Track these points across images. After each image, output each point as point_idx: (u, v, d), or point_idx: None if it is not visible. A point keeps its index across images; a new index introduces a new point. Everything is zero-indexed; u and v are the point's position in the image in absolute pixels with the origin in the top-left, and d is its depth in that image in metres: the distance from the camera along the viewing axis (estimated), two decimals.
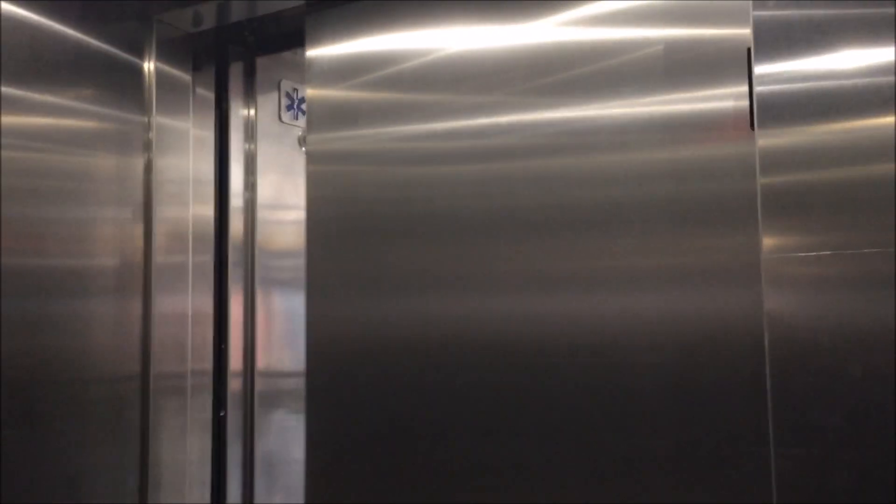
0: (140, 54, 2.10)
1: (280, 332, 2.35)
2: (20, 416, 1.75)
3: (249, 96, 2.32)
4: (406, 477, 1.84)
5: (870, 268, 1.25)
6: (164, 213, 2.10)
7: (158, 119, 2.10)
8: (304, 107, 2.29)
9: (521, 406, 1.70)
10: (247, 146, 2.31)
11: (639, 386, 1.57)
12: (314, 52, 2.00)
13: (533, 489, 1.67)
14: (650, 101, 1.59)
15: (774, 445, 1.29)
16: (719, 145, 1.51)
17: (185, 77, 2.20)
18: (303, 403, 2.00)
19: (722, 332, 1.48)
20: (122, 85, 2.05)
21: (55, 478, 1.83)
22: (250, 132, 2.32)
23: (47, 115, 1.87)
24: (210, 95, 2.26)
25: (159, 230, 2.08)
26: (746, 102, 1.45)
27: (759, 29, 1.37)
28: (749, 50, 1.39)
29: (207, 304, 2.19)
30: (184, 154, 2.17)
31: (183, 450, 2.10)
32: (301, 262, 2.08)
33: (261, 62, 2.32)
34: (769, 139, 1.34)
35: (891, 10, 1.26)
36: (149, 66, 2.11)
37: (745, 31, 1.44)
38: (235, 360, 2.24)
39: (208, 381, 2.19)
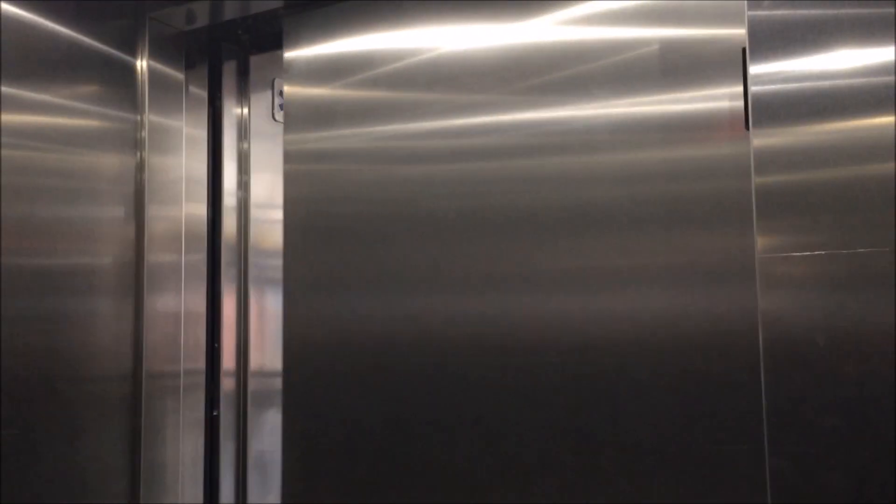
0: (133, 52, 2.09)
1: (273, 331, 2.34)
2: (10, 416, 1.74)
3: (243, 95, 2.31)
4: (383, 476, 1.85)
5: (864, 267, 1.26)
6: (157, 212, 2.09)
7: (151, 117, 2.09)
8: None
9: (502, 405, 1.71)
10: (240, 145, 2.30)
11: (628, 386, 1.57)
12: (292, 54, 2.03)
13: (513, 488, 1.68)
14: (645, 101, 1.59)
15: (769, 445, 1.29)
16: (714, 145, 1.51)
17: (178, 75, 2.18)
18: None
19: (716, 332, 1.49)
20: (114, 83, 2.04)
21: (46, 477, 1.82)
22: (243, 131, 2.31)
23: (39, 113, 1.85)
24: (203, 94, 2.25)
25: (152, 229, 2.07)
26: (741, 102, 1.46)
27: (754, 29, 1.37)
28: (744, 50, 1.39)
29: (200, 304, 2.18)
30: (176, 153, 2.16)
31: (176, 449, 2.10)
32: None
33: (254, 60, 2.31)
34: (764, 139, 1.34)
35: (886, 10, 1.26)
36: (141, 64, 2.10)
37: (740, 31, 1.44)
38: (228, 359, 2.23)
39: (201, 380, 2.18)
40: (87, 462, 1.91)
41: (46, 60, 1.88)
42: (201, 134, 2.24)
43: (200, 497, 2.14)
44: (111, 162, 2.01)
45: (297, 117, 2.02)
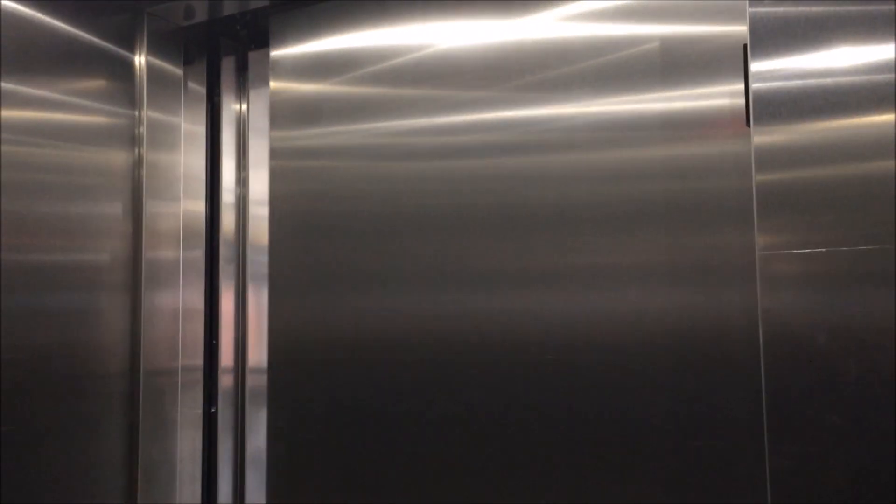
0: (131, 48, 2.08)
1: None
2: (5, 413, 1.73)
3: (241, 91, 2.30)
4: (369, 472, 1.86)
5: (866, 265, 1.25)
6: (155, 209, 2.08)
7: (149, 113, 2.08)
8: None
9: (491, 402, 1.72)
10: (238, 141, 2.30)
11: (626, 384, 1.57)
12: (278, 53, 2.06)
13: (502, 485, 1.69)
14: (645, 98, 1.58)
15: (769, 444, 1.28)
16: (715, 143, 1.51)
17: (177, 71, 2.18)
18: None
19: (716, 330, 1.49)
20: (112, 79, 2.03)
21: (42, 475, 1.81)
22: (242, 127, 2.30)
23: (36, 108, 1.84)
24: (202, 90, 2.24)
25: (150, 225, 2.06)
26: (742, 100, 1.45)
27: (756, 25, 1.36)
28: (745, 46, 1.39)
29: (198, 300, 2.18)
30: (175, 149, 2.15)
31: (173, 447, 2.09)
32: None
33: (253, 56, 2.30)
34: (765, 136, 1.34)
35: (889, 7, 1.25)
36: (139, 59, 2.09)
37: (742, 28, 1.44)
38: (226, 356, 2.22)
39: (199, 377, 2.17)
40: (83, 459, 1.91)
41: (44, 56, 1.87)
42: (200, 130, 2.23)
43: (198, 495, 2.14)
44: (109, 158, 2.01)
45: (283, 114, 2.04)
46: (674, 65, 1.56)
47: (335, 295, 1.93)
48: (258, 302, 2.29)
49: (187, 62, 2.19)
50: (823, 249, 1.29)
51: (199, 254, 2.19)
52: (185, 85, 2.20)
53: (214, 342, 2.19)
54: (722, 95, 1.51)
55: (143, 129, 2.07)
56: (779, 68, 1.34)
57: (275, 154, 2.05)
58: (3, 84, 1.76)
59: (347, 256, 1.92)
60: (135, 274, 2.03)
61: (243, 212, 2.27)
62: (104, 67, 2.02)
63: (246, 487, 2.22)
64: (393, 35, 1.91)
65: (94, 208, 1.96)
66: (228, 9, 2.11)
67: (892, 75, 1.25)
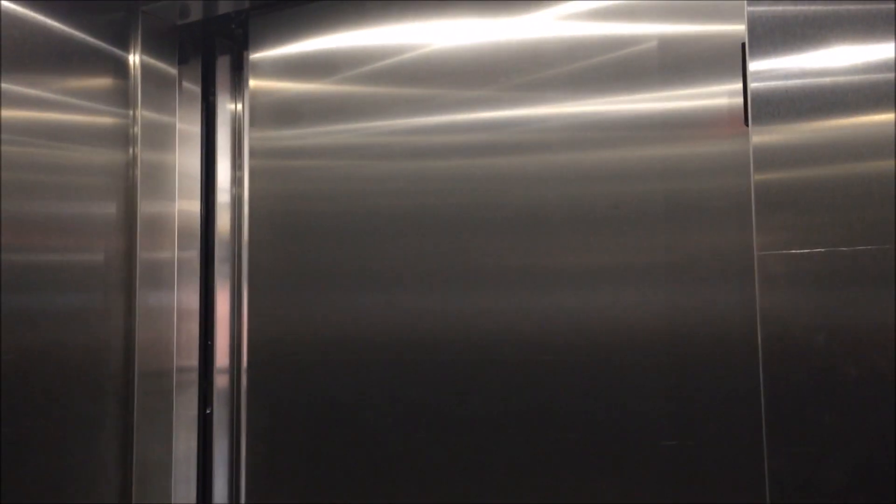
0: (125, 47, 2.07)
1: None
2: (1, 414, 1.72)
3: (237, 90, 2.29)
4: (348, 473, 1.86)
5: (864, 265, 1.25)
6: (150, 209, 2.07)
7: (144, 113, 2.07)
8: None
9: (474, 402, 1.73)
10: (234, 141, 2.29)
11: (623, 384, 1.56)
12: (258, 55, 2.08)
13: (484, 486, 1.69)
14: (643, 97, 1.58)
15: (768, 444, 1.28)
16: (713, 142, 1.51)
17: (172, 70, 2.17)
18: None
19: (714, 330, 1.48)
20: (106, 78, 2.02)
21: (36, 476, 1.80)
22: (237, 126, 2.29)
23: (30, 108, 1.83)
24: (197, 89, 2.23)
25: (144, 225, 2.05)
26: (740, 99, 1.45)
27: (754, 25, 1.36)
28: (743, 46, 1.38)
29: (194, 300, 2.17)
30: (170, 149, 2.14)
31: (168, 448, 2.08)
32: None
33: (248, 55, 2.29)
34: (763, 136, 1.33)
35: (888, 6, 1.25)
36: (134, 59, 2.08)
37: (739, 28, 1.44)
38: (222, 356, 2.22)
39: (194, 377, 2.16)
40: (78, 460, 1.90)
41: (38, 55, 1.86)
42: (195, 130, 2.22)
43: (193, 496, 2.13)
44: (103, 158, 2.00)
45: (262, 115, 2.06)
46: (671, 64, 1.56)
47: (315, 295, 1.94)
48: None
49: (182, 61, 2.18)
50: (822, 249, 1.28)
51: (195, 254, 2.18)
52: (180, 84, 2.18)
53: (210, 342, 2.18)
54: (720, 95, 1.50)
55: (138, 129, 2.06)
56: (777, 68, 1.33)
57: (254, 153, 2.07)
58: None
59: (329, 256, 1.93)
60: (129, 274, 2.02)
61: (238, 212, 2.26)
62: (98, 66, 2.00)
63: (241, 489, 2.21)
64: (372, 36, 1.92)
65: (88, 208, 1.95)
66: (223, 8, 2.10)
67: (891, 74, 1.25)
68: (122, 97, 2.05)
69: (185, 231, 2.16)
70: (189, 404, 2.15)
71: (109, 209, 2.00)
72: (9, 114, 1.78)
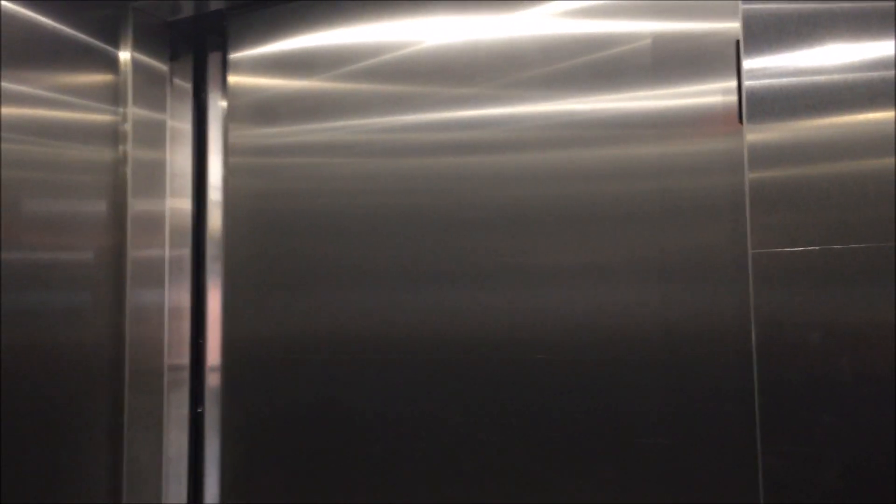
0: (115, 43, 2.05)
1: None
2: None
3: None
4: (326, 472, 1.86)
5: (859, 263, 1.25)
6: (140, 206, 2.06)
7: (134, 110, 2.06)
8: None
9: (452, 401, 1.73)
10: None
11: (617, 383, 1.56)
12: (237, 55, 2.09)
13: (463, 484, 1.69)
14: (637, 95, 1.57)
15: (762, 443, 1.28)
16: (708, 140, 1.51)
17: (162, 67, 2.15)
18: None
19: (709, 329, 1.48)
20: (97, 75, 2.01)
21: (26, 475, 1.78)
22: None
23: (19, 105, 1.82)
24: (188, 86, 2.21)
25: (135, 223, 2.04)
26: (735, 97, 1.45)
27: (749, 23, 1.35)
28: (738, 43, 1.38)
29: (185, 299, 2.15)
30: (160, 146, 2.13)
31: (159, 447, 2.07)
32: None
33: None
34: (758, 134, 1.33)
35: (884, 4, 1.25)
36: (124, 55, 2.07)
37: (734, 25, 1.43)
38: (213, 355, 2.20)
39: (185, 376, 2.15)
40: (68, 460, 1.88)
41: (27, 51, 1.84)
42: (186, 127, 2.20)
43: (184, 496, 2.11)
44: (94, 155, 1.98)
45: (241, 113, 2.07)
46: (665, 62, 1.55)
47: (292, 293, 1.94)
48: None
49: (173, 58, 2.17)
50: (816, 248, 1.28)
51: (186, 252, 2.17)
52: (171, 81, 2.17)
53: (201, 341, 2.17)
54: (714, 93, 1.50)
55: (129, 126, 2.04)
56: (772, 65, 1.33)
57: (234, 151, 2.08)
58: None
59: (307, 254, 1.93)
60: (120, 272, 2.01)
61: None
62: (89, 63, 1.99)
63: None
64: (349, 35, 1.92)
65: (77, 206, 1.94)
66: (214, 4, 2.09)
67: (888, 72, 1.24)
68: (113, 94, 2.03)
69: (176, 229, 2.15)
70: (180, 403, 2.13)
71: (100, 207, 1.98)
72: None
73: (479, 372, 1.69)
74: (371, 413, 1.81)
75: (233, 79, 2.08)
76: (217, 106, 2.25)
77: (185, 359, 2.15)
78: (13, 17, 1.81)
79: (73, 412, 1.90)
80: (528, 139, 1.68)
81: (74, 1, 1.95)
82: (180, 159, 2.18)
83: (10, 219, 1.77)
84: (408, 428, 1.77)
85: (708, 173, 1.50)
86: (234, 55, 2.08)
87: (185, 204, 2.17)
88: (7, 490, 1.73)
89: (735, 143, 1.44)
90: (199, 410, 2.15)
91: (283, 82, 2.01)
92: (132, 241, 2.02)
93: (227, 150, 2.17)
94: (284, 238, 1.97)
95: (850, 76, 1.27)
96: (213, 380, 2.19)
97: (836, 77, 1.28)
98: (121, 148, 2.04)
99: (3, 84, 1.77)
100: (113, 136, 2.02)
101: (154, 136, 2.11)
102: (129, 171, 2.03)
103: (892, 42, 1.24)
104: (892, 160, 1.23)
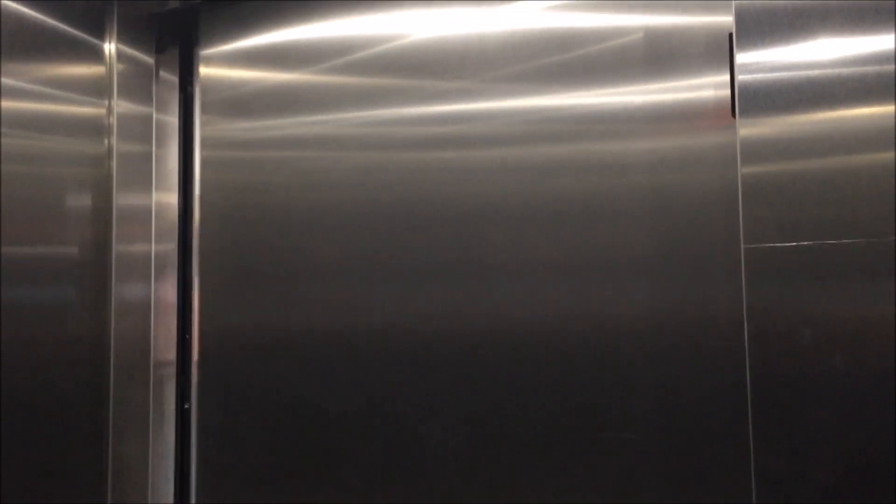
0: (101, 35, 2.03)
1: None
2: None
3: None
4: (299, 468, 1.86)
5: (852, 259, 1.24)
6: (126, 201, 2.03)
7: (120, 103, 2.03)
8: None
9: (425, 396, 1.73)
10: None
11: (607, 380, 1.55)
12: (209, 51, 2.09)
13: (439, 481, 1.69)
14: (629, 90, 1.56)
15: (754, 441, 1.27)
16: (700, 135, 1.50)
17: (148, 59, 2.13)
18: None
19: (701, 324, 1.47)
20: (81, 67, 1.98)
21: (9, 474, 1.76)
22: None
23: (3, 97, 1.79)
24: (174, 79, 2.18)
25: (120, 218, 2.01)
26: (727, 92, 1.44)
27: (742, 16, 1.34)
28: (731, 36, 1.37)
29: (171, 294, 2.13)
30: (146, 140, 2.10)
31: (145, 444, 2.05)
32: None
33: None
34: (751, 129, 1.32)
35: None
36: (110, 47, 2.04)
37: (727, 19, 1.42)
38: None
39: (172, 372, 2.13)
40: (51, 458, 1.86)
41: (11, 43, 1.81)
42: (172, 120, 2.18)
43: (171, 494, 2.09)
44: (78, 148, 1.95)
45: (213, 107, 2.08)
46: (658, 56, 1.54)
47: (268, 289, 1.94)
48: None
49: (159, 50, 2.14)
50: (810, 242, 1.27)
51: (172, 247, 2.14)
52: (157, 73, 2.14)
53: (188, 336, 2.15)
54: (707, 87, 1.49)
55: (114, 119, 2.02)
56: (765, 60, 1.32)
57: (205, 144, 2.08)
58: None
59: (282, 250, 1.93)
60: (105, 267, 1.98)
61: None
62: (73, 55, 1.96)
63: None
64: (323, 29, 1.92)
65: (62, 199, 1.91)
66: None
67: (882, 67, 1.24)
68: (98, 86, 2.01)
69: (163, 223, 2.13)
70: (166, 399, 2.11)
71: (84, 201, 1.96)
72: None
73: (466, 366, 1.68)
74: (346, 407, 1.80)
75: (205, 71, 2.08)
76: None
77: (171, 354, 2.13)
78: None
79: (56, 409, 1.88)
80: (517, 134, 1.67)
81: None
82: (167, 153, 2.15)
83: None
84: (385, 421, 1.76)
85: (700, 168, 1.49)
86: (206, 51, 2.09)
87: (171, 198, 2.15)
88: None
89: (728, 137, 1.43)
90: (186, 406, 2.13)
91: (257, 75, 2.00)
92: (118, 234, 2.00)
93: (201, 144, 2.16)
94: (259, 232, 1.96)
95: (844, 71, 1.26)
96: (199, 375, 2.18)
97: (829, 71, 1.27)
98: (106, 141, 2.01)
99: None
100: (98, 129, 2.00)
101: (140, 129, 2.08)
102: (114, 164, 2.01)
103: (886, 36, 1.24)
104: (886, 155, 1.22)
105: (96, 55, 2.02)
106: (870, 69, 1.24)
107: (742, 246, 1.32)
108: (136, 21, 2.08)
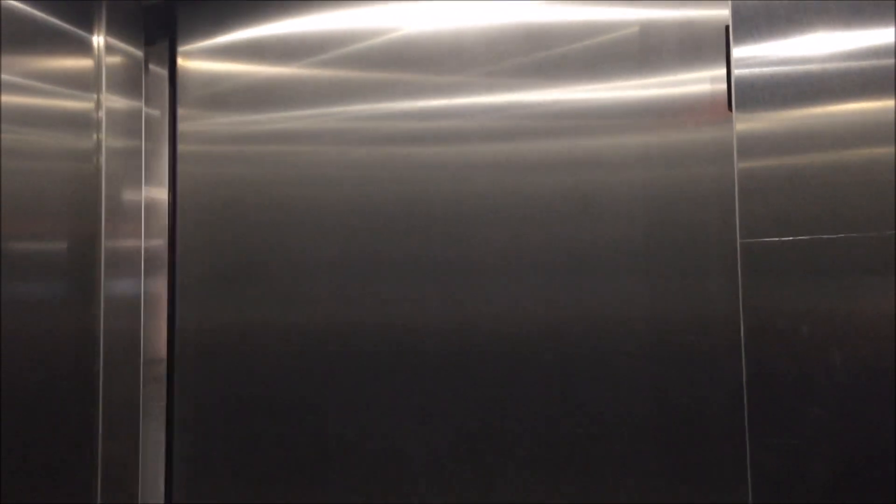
0: (89, 28, 2.00)
1: None
2: None
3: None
4: (277, 465, 1.86)
5: (848, 253, 1.24)
6: (115, 196, 2.01)
7: (109, 97, 2.01)
8: None
9: (407, 394, 1.72)
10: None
11: (603, 377, 1.54)
12: (187, 47, 2.08)
13: (420, 479, 1.69)
14: (625, 84, 1.55)
15: (750, 437, 1.26)
16: (696, 129, 1.49)
17: (138, 53, 2.10)
18: None
19: (696, 320, 1.47)
20: (69, 60, 1.95)
21: None
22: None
23: None
24: (164, 72, 2.16)
25: (110, 213, 1.99)
26: (724, 86, 1.43)
27: (738, 10, 1.34)
28: (727, 28, 1.36)
29: (161, 290, 2.11)
30: (136, 134, 2.08)
31: (135, 444, 2.03)
32: None
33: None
34: (747, 123, 1.31)
35: None
36: (98, 40, 2.01)
37: (723, 13, 1.41)
38: None
39: (162, 370, 2.11)
40: (40, 457, 1.84)
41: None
42: (162, 114, 2.16)
43: (161, 495, 2.07)
44: (67, 143, 1.93)
45: (192, 102, 2.07)
46: (654, 50, 1.53)
47: (245, 285, 1.93)
48: None
49: (149, 43, 2.12)
50: (806, 237, 1.27)
51: (162, 242, 2.12)
52: (147, 67, 2.12)
53: (177, 333, 2.13)
54: (703, 81, 1.48)
55: (103, 113, 1.99)
56: (762, 54, 1.31)
57: (184, 138, 2.07)
58: None
59: (261, 247, 1.92)
60: (94, 263, 1.96)
61: None
62: (60, 48, 1.94)
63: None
64: (298, 24, 1.92)
65: (50, 194, 1.89)
66: None
67: (879, 61, 1.23)
68: (86, 80, 1.98)
69: (153, 219, 2.11)
70: (157, 397, 2.10)
71: (73, 196, 1.94)
72: None
73: (456, 364, 1.67)
74: (338, 405, 1.79)
75: (183, 64, 2.07)
76: None
77: (161, 352, 2.11)
78: None
79: (44, 407, 1.86)
80: (513, 129, 1.66)
81: None
82: (156, 147, 2.13)
83: None
84: (377, 420, 1.75)
85: (697, 162, 1.48)
86: (183, 47, 2.08)
87: (161, 193, 2.13)
88: None
89: (724, 131, 1.42)
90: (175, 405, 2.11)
91: (235, 69, 2.00)
92: (106, 230, 1.98)
93: (180, 139, 2.14)
94: (240, 228, 1.95)
95: (842, 65, 1.26)
96: None
97: (827, 66, 1.27)
98: (95, 135, 1.99)
99: None
100: (87, 123, 1.98)
101: (129, 123, 2.06)
102: (103, 159, 1.98)
103: (884, 30, 1.23)
104: (884, 149, 1.22)
105: (85, 48, 1.99)
106: (868, 63, 1.23)
107: (738, 241, 1.31)
108: (125, 13, 2.06)
